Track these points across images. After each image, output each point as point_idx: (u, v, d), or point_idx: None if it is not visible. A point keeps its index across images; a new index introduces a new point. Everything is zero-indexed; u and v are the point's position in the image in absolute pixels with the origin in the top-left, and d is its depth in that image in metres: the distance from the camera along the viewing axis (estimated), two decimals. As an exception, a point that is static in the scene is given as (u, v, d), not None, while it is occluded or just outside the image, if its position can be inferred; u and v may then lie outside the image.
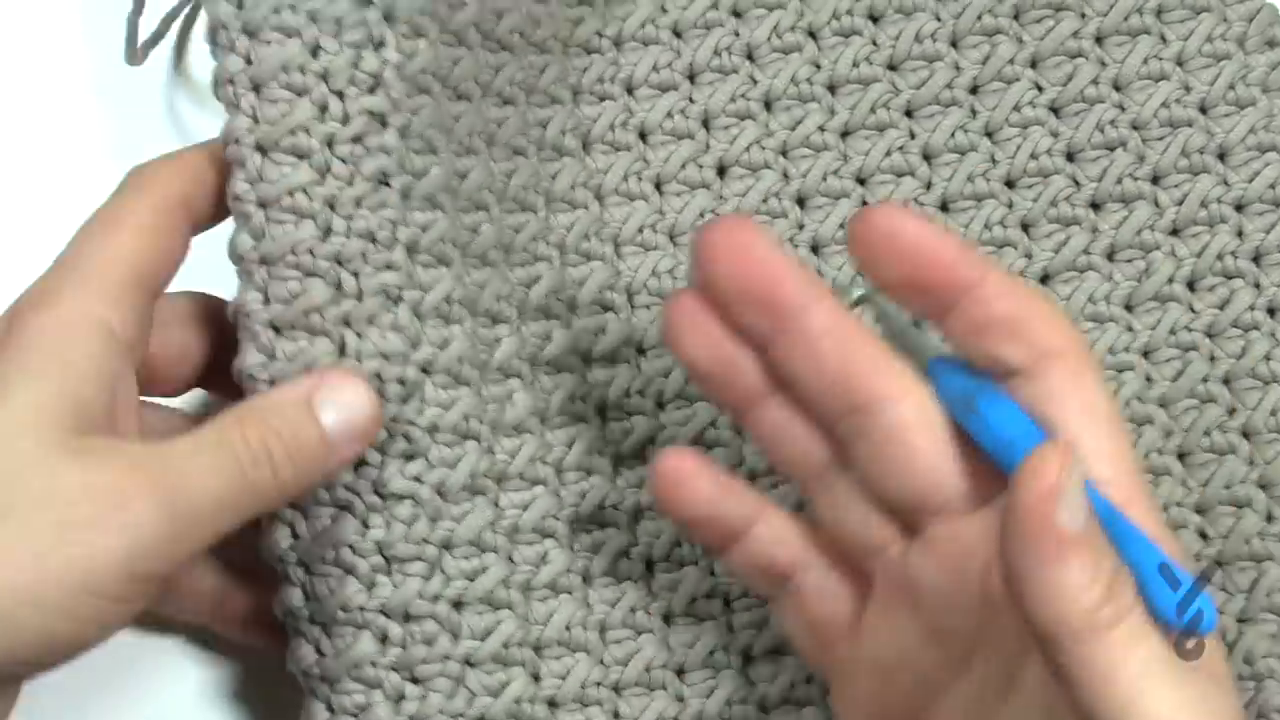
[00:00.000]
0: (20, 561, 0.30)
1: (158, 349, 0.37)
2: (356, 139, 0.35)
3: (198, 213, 0.36)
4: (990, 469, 0.33)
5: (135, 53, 0.42)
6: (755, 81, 0.44)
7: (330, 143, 0.35)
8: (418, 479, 0.36)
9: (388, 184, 0.36)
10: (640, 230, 0.43)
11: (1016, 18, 0.44)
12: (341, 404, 0.34)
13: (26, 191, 0.45)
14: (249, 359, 0.35)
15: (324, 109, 0.35)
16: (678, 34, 0.44)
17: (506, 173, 0.41)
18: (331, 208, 0.35)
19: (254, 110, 0.35)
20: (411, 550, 0.36)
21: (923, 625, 0.34)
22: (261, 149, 0.35)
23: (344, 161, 0.35)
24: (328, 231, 0.35)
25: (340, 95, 0.35)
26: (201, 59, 0.44)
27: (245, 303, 0.35)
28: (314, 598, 0.36)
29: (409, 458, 0.36)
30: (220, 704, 0.42)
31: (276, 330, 0.35)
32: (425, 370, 0.36)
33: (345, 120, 0.35)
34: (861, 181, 0.44)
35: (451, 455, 0.37)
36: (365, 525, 0.36)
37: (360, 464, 0.36)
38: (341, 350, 0.35)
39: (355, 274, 0.35)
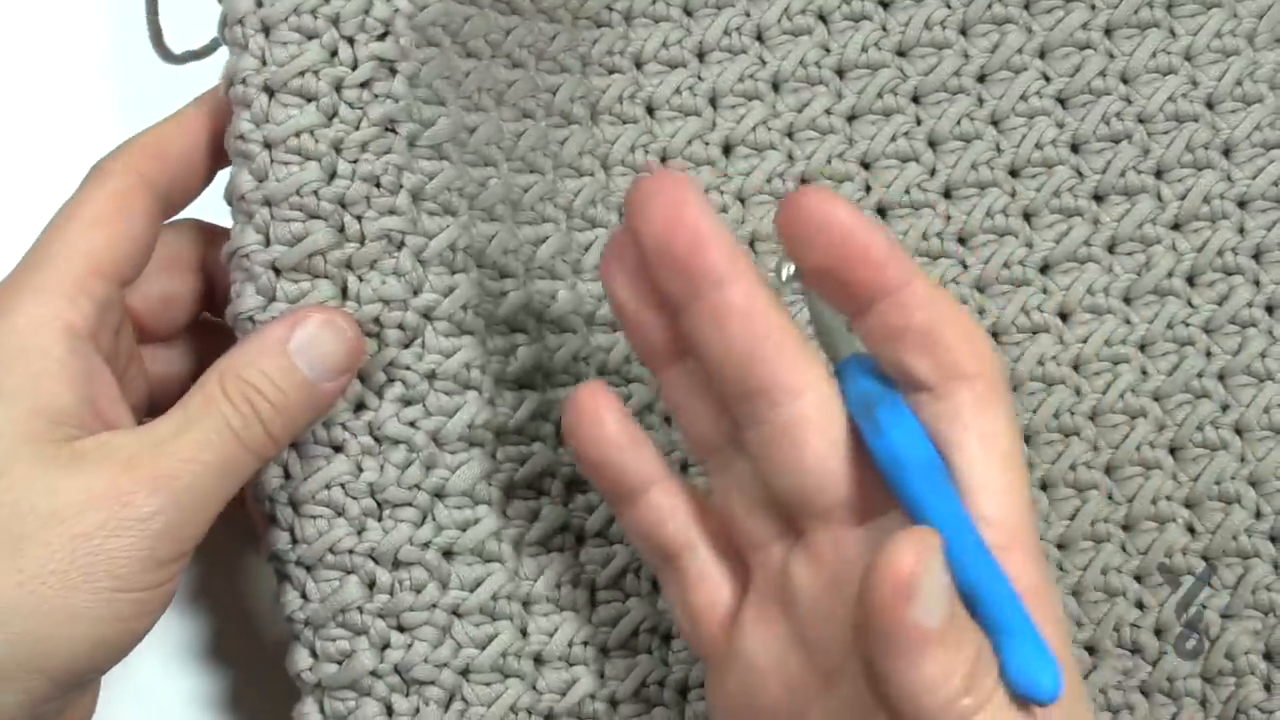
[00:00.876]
0: (46, 585, 0.31)
1: (138, 303, 0.37)
2: (364, 84, 0.36)
3: (167, 190, 0.36)
4: (882, 483, 0.31)
5: (164, 47, 0.41)
6: (764, 62, 0.44)
7: (339, 87, 0.35)
8: (413, 424, 0.36)
9: (394, 130, 0.36)
10: (644, 202, 0.43)
11: (1026, 7, 0.44)
12: (317, 343, 0.34)
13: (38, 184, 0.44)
14: (248, 301, 0.35)
15: (334, 53, 0.35)
16: (688, 12, 0.44)
17: (515, 133, 0.41)
18: (337, 151, 0.35)
19: (263, 52, 0.35)
20: (404, 495, 0.36)
21: (795, 631, 0.33)
22: (269, 90, 0.35)
23: (351, 106, 0.36)
24: (332, 175, 0.35)
25: (350, 41, 0.36)
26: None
27: (244, 244, 0.35)
28: (301, 540, 0.36)
29: (406, 402, 0.36)
30: (209, 713, 0.42)
31: (277, 272, 0.35)
32: (427, 316, 0.37)
33: (354, 65, 0.36)
34: (866, 166, 0.44)
35: (450, 404, 0.37)
36: (359, 467, 0.36)
37: (358, 405, 0.36)
38: (343, 294, 0.36)
39: (358, 218, 0.36)
